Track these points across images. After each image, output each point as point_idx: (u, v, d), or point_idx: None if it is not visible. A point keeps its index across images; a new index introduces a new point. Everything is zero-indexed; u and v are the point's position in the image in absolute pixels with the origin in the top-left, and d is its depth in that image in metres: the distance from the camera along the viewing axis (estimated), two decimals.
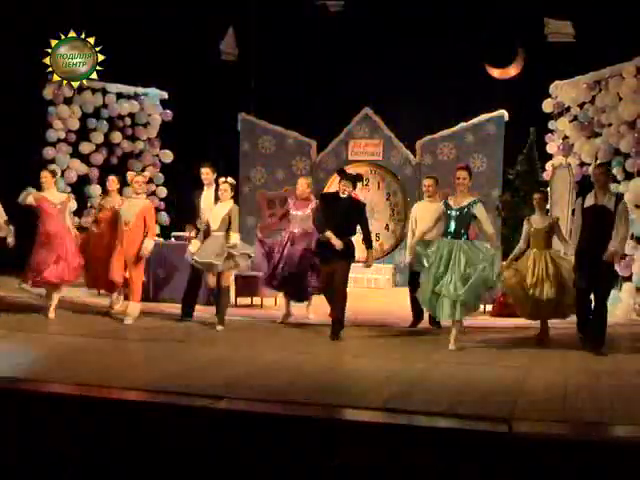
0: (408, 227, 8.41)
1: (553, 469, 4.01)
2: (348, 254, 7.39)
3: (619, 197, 6.84)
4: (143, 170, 12.24)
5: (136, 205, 8.01)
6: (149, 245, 7.93)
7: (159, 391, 5.00)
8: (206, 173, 8.32)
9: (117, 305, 8.42)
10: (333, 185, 12.08)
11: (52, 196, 8.16)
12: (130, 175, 8.62)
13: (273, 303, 9.62)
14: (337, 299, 7.35)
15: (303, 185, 8.47)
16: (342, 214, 7.34)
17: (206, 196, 8.29)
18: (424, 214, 7.88)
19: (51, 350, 6.43)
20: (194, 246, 7.77)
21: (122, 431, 4.59)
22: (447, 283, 6.69)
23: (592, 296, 6.85)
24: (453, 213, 6.95)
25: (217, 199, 7.90)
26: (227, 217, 7.70)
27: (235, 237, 7.67)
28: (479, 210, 6.97)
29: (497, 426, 4.31)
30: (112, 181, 9.15)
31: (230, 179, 7.92)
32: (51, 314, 8.02)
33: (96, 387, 5.05)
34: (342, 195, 7.44)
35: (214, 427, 4.53)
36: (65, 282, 8.13)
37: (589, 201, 6.81)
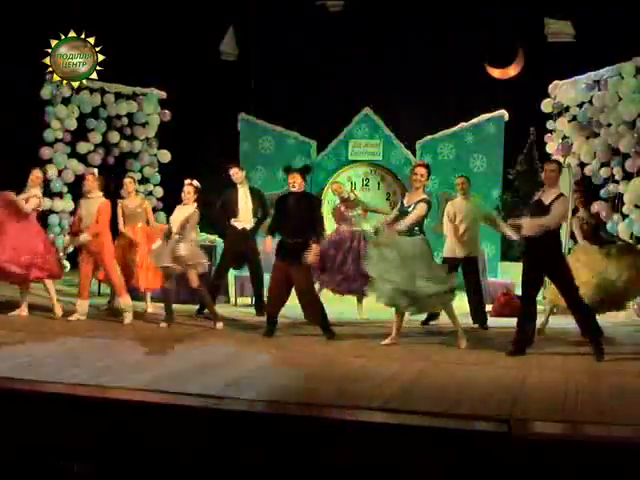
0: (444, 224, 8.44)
1: (553, 469, 4.02)
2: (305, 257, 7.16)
3: (561, 194, 6.64)
4: (141, 170, 12.29)
5: (93, 204, 8.00)
6: (82, 240, 7.87)
7: (159, 391, 5.00)
8: (235, 173, 8.63)
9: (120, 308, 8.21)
10: (344, 188, 12.09)
11: (25, 193, 8.17)
12: (88, 172, 8.55)
13: None
14: (310, 305, 7.26)
15: (343, 187, 9.05)
16: (295, 212, 7.12)
17: (241, 194, 8.65)
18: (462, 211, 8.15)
19: (51, 350, 6.43)
20: (156, 245, 7.84)
21: (122, 431, 4.59)
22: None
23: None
24: (406, 210, 6.98)
25: (181, 201, 7.91)
26: (185, 221, 7.73)
27: (183, 247, 7.64)
28: (417, 208, 6.89)
29: (497, 426, 4.31)
30: (130, 183, 9.13)
31: (195, 182, 7.91)
32: (58, 310, 8.09)
33: (96, 387, 5.05)
34: (292, 189, 7.22)
35: (214, 427, 4.53)
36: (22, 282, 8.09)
37: (536, 196, 6.76)
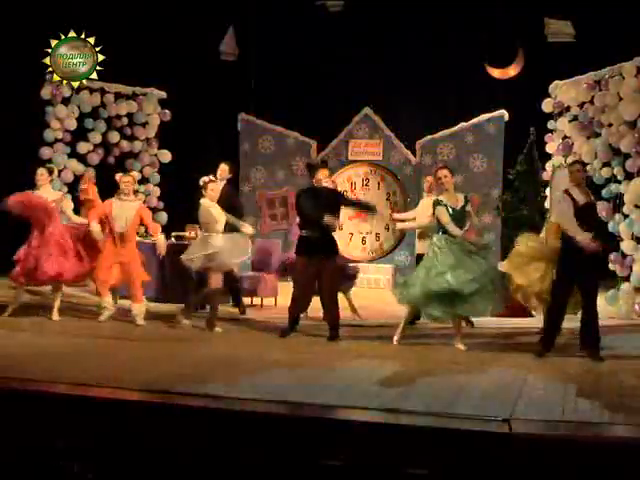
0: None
1: (553, 469, 4.01)
2: (335, 251, 7.35)
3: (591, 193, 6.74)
4: (141, 170, 12.28)
5: (130, 208, 7.98)
6: (162, 242, 8.03)
7: (159, 391, 5.00)
8: (221, 169, 8.61)
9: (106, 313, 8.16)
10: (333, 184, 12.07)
11: (45, 194, 8.20)
12: (118, 176, 8.46)
13: (273, 303, 9.61)
14: (331, 302, 7.30)
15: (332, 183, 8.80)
16: (324, 206, 7.16)
17: None
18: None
19: (51, 350, 6.43)
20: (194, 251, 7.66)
21: (122, 431, 4.58)
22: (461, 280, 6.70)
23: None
24: (453, 212, 6.96)
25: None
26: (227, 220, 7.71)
27: (250, 229, 7.71)
28: (470, 208, 7.10)
29: (497, 426, 4.31)
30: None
31: (213, 177, 7.89)
32: (55, 316, 8.05)
33: (96, 387, 5.05)
34: (324, 184, 7.34)
35: (214, 427, 4.53)
36: (60, 281, 8.08)
37: (580, 199, 6.61)
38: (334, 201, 7.39)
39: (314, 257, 7.19)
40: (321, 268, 7.21)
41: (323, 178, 7.34)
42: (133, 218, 7.94)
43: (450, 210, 6.95)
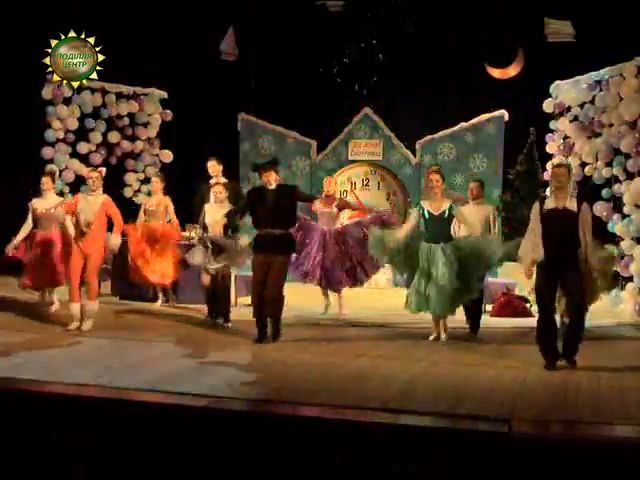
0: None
1: (553, 469, 4.02)
2: (287, 248, 7.21)
3: (580, 200, 6.32)
4: (145, 170, 12.30)
5: (95, 202, 7.68)
6: (116, 241, 7.72)
7: (159, 391, 5.00)
8: (212, 166, 8.50)
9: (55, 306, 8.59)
10: (332, 185, 12.07)
11: (47, 201, 8.41)
12: (86, 171, 8.51)
13: None
14: (274, 299, 7.04)
15: (332, 184, 9.01)
16: (273, 205, 7.05)
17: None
18: (472, 218, 7.92)
19: (51, 350, 6.43)
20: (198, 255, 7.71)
21: (122, 431, 4.59)
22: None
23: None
24: (430, 217, 7.22)
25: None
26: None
27: (246, 239, 7.55)
28: (459, 213, 7.31)
29: (497, 426, 4.31)
30: (156, 182, 9.16)
31: (223, 179, 7.89)
32: (55, 307, 8.45)
33: (96, 387, 5.06)
34: (270, 187, 7.12)
35: (214, 427, 4.54)
36: (50, 286, 8.47)
37: (549, 204, 6.25)
38: (285, 199, 7.13)
39: (266, 253, 7.04)
40: (270, 263, 7.03)
41: (268, 180, 7.11)
42: (97, 212, 7.61)
43: (427, 215, 7.22)
